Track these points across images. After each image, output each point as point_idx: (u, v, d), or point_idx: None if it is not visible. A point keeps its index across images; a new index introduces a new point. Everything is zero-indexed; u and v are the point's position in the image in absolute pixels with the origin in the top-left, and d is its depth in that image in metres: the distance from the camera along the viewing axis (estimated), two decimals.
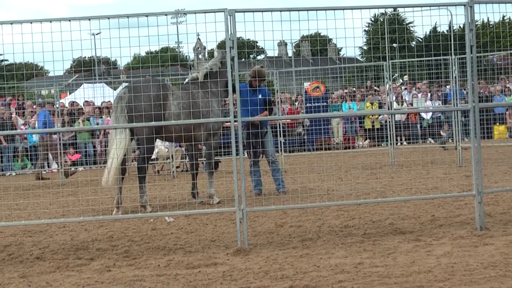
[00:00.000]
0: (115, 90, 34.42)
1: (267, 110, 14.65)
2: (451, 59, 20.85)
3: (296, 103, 31.51)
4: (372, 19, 66.49)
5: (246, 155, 15.00)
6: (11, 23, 9.52)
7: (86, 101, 28.70)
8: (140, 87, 13.02)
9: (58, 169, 23.65)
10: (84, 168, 25.67)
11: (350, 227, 10.41)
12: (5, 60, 40.64)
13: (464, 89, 26.15)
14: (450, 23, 18.50)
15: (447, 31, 34.92)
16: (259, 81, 14.64)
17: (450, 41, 19.15)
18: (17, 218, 12.96)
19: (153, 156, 22.29)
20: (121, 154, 12.94)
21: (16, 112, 27.33)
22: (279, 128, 22.33)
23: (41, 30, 9.58)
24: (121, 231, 11.22)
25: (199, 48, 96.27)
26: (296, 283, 7.11)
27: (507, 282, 6.71)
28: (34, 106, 27.71)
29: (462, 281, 6.87)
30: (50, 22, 9.57)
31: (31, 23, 9.57)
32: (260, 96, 14.53)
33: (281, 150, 21.95)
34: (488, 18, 33.45)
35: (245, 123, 13.73)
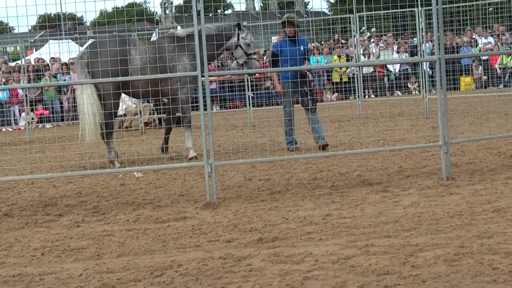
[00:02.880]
0: (81, 46, 34.08)
1: (307, 60, 14.58)
2: (418, 11, 20.86)
3: (264, 58, 31.41)
4: None
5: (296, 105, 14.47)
6: None
7: (52, 58, 28.40)
8: (103, 43, 12.95)
9: (25, 126, 23.47)
10: (51, 125, 25.51)
11: (318, 180, 10.46)
12: None
13: (431, 41, 26.21)
14: None
15: None
16: (295, 29, 14.00)
17: None
18: None
19: (121, 112, 22.21)
20: (94, 109, 12.92)
21: None
22: (247, 82, 22.26)
23: None
24: (90, 187, 11.18)
25: (166, 3, 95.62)
26: (265, 236, 7.14)
27: (472, 230, 6.79)
28: None
29: (428, 230, 6.93)
30: None
31: None
32: (301, 48, 13.94)
33: (249, 104, 21.92)
34: None
35: (287, 75, 13.81)
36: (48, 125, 25.64)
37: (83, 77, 13.05)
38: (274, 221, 7.87)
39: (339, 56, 29.50)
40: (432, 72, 24.32)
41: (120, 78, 12.16)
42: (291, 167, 11.85)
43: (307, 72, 13.99)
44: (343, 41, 31.31)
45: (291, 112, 13.75)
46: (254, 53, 14.17)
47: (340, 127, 17.12)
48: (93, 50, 13.12)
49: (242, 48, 13.86)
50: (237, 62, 14.47)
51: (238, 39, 13.86)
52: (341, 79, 29.71)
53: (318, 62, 29.60)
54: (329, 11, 70.48)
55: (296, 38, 13.91)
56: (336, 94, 29.32)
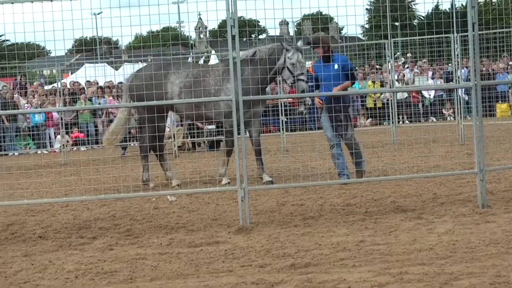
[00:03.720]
0: (116, 70, 34.35)
1: (349, 80, 13.00)
2: (453, 37, 20.78)
3: None
4: None
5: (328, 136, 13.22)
6: (12, 3, 9.50)
7: (88, 81, 28.67)
8: (148, 68, 13.39)
9: (60, 149, 23.67)
10: (86, 148, 25.70)
11: (352, 206, 10.42)
12: (7, 40, 40.62)
13: (467, 67, 26.08)
14: (452, 1, 18.42)
15: (449, 8, 34.81)
16: (324, 49, 12.85)
17: (452, 18, 19.08)
18: (20, 197, 12.95)
19: None
20: (118, 124, 14.07)
21: (18, 92, 27.29)
22: (281, 107, 22.27)
23: (42, 10, 9.55)
24: (123, 210, 11.23)
25: (200, 28, 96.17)
26: (297, 261, 7.12)
27: (509, 259, 6.71)
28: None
29: (463, 259, 6.87)
30: (51, 1, 9.54)
31: (32, 2, 9.53)
32: (336, 67, 12.71)
33: (282, 129, 21.92)
34: None
35: (324, 101, 12.97)
36: (82, 148, 25.83)
37: (124, 99, 13.49)
38: (307, 247, 7.85)
39: (373, 82, 29.44)
40: (468, 98, 24.16)
41: (153, 102, 12.27)
42: (324, 193, 11.81)
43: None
44: (377, 67, 31.24)
45: (333, 139, 12.91)
46: (302, 74, 13.27)
47: (374, 153, 17.05)
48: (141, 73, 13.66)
49: (288, 69, 13.23)
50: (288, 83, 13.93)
51: (284, 60, 13.23)
52: (375, 104, 29.61)
53: (352, 87, 29.50)
54: (363, 37, 70.43)
55: (330, 56, 12.90)
56: (370, 119, 29.21)
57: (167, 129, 22.38)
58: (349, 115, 12.90)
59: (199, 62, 22.38)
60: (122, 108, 14.06)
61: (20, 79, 29.13)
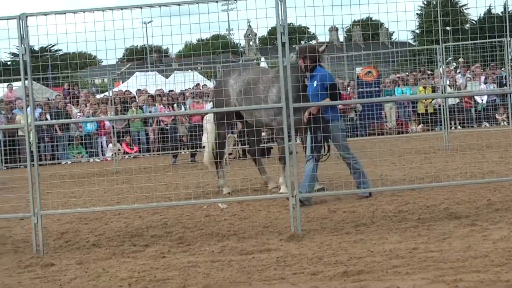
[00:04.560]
0: (167, 78, 34.62)
1: (329, 97, 11.75)
2: (506, 41, 20.54)
3: (348, 89, 31.31)
4: (425, 2, 65.77)
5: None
6: (65, 13, 9.61)
7: (139, 90, 28.95)
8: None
9: (112, 157, 23.91)
10: (137, 156, 25.91)
11: (404, 212, 10.34)
12: (59, 50, 41.17)
13: None
14: (505, 4, 18.21)
15: (502, 12, 34.40)
16: (305, 61, 12.05)
17: (505, 22, 18.85)
18: (73, 205, 13.13)
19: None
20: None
21: (70, 101, 27.67)
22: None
23: (94, 20, 9.66)
24: (175, 218, 11.29)
25: (250, 35, 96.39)
26: (350, 269, 7.09)
27: None
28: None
29: None
30: (103, 11, 9.64)
31: (83, 12, 9.65)
32: (314, 83, 11.95)
33: None
34: None
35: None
36: (132, 155, 26.06)
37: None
38: (359, 254, 7.81)
39: (424, 87, 29.23)
40: None
41: (208, 110, 12.38)
42: (376, 199, 11.74)
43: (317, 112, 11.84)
44: (428, 72, 31.01)
45: (309, 154, 12.09)
46: None
47: (426, 159, 16.91)
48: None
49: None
50: None
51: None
52: (426, 110, 29.39)
53: (403, 93, 29.36)
54: (414, 42, 69.96)
55: (308, 69, 12.15)
56: (421, 125, 29.00)
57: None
58: (336, 134, 11.96)
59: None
60: (210, 120, 14.34)
61: (73, 88, 29.53)
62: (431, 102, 29.26)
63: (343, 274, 6.93)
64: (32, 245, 9.35)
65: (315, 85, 11.91)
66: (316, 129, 11.75)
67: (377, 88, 27.86)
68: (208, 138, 14.63)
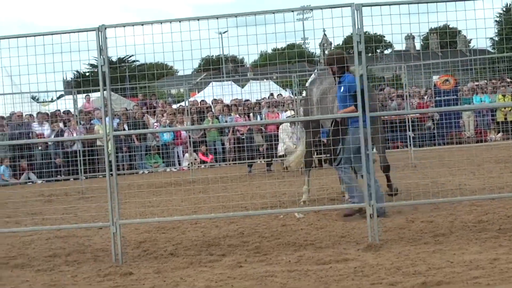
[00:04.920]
0: (242, 87, 34.80)
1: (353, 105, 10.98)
2: None
3: (425, 97, 30.98)
4: (504, 8, 64.67)
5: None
6: (142, 24, 9.75)
7: (214, 99, 29.17)
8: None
9: (188, 167, 24.13)
10: (213, 165, 26.08)
11: (484, 222, 10.17)
12: (137, 61, 41.85)
13: None
14: None
15: None
16: (333, 69, 11.99)
17: None
18: (151, 215, 13.29)
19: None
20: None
21: (148, 111, 28.04)
22: (408, 122, 22.06)
23: (171, 30, 9.76)
24: (252, 227, 11.32)
25: (325, 44, 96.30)
26: (429, 279, 7.00)
27: None
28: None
29: None
30: (179, 22, 9.74)
31: (161, 23, 9.77)
32: (342, 89, 11.62)
33: (410, 144, 21.69)
34: None
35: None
36: (208, 164, 26.23)
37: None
38: (438, 265, 7.71)
39: (503, 95, 28.73)
40: None
41: (283, 120, 12.38)
42: (455, 209, 11.58)
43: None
44: (508, 80, 30.47)
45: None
46: None
47: (506, 168, 16.60)
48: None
49: None
50: None
51: None
52: (506, 118, 28.88)
53: (482, 101, 28.93)
54: (493, 49, 68.91)
55: (335, 76, 12.04)
56: (501, 133, 28.50)
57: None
58: (347, 140, 11.47)
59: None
60: (286, 130, 14.42)
61: (150, 99, 29.90)
62: (510, 110, 28.73)
63: (422, 285, 6.85)
64: (111, 254, 9.49)
65: (342, 89, 11.64)
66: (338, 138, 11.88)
67: (454, 97, 27.53)
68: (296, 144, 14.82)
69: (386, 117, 23.77)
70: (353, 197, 11.64)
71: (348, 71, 11.79)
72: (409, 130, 21.91)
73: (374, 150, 13.31)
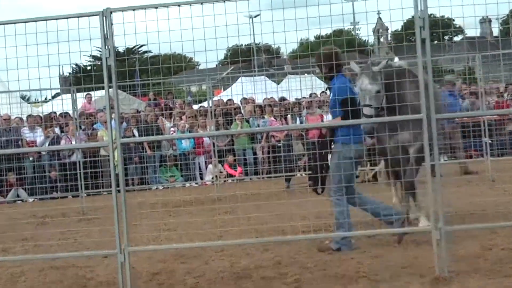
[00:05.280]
0: (278, 84, 34.73)
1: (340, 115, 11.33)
2: None
3: (505, 95, 30.80)
4: None
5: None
6: (156, 7, 9.76)
7: (244, 98, 29.18)
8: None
9: (212, 181, 24.13)
10: (242, 179, 26.07)
11: None
12: (149, 51, 41.84)
13: None
14: None
15: None
16: (326, 68, 11.83)
17: None
18: (167, 240, 13.32)
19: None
20: None
21: (163, 114, 28.05)
22: (484, 126, 21.91)
23: (191, 15, 9.77)
24: (290, 256, 11.32)
25: (380, 30, 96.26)
26: None
27: None
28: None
29: None
30: (201, 4, 9.75)
31: (179, 6, 9.75)
32: (331, 95, 11.78)
33: (486, 153, 21.55)
34: None
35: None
36: (237, 179, 26.20)
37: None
38: None
39: None
40: None
41: (325, 124, 12.31)
42: None
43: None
44: None
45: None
46: (366, 105, 12.16)
47: None
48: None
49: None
50: None
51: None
52: None
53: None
54: None
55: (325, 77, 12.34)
56: None
57: None
58: (336, 162, 11.72)
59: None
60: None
61: (165, 98, 29.91)
62: None
63: None
64: None
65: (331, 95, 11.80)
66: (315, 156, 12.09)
67: None
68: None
69: (457, 119, 23.50)
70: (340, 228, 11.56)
71: (340, 71, 11.88)
72: (485, 136, 21.78)
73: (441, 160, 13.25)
